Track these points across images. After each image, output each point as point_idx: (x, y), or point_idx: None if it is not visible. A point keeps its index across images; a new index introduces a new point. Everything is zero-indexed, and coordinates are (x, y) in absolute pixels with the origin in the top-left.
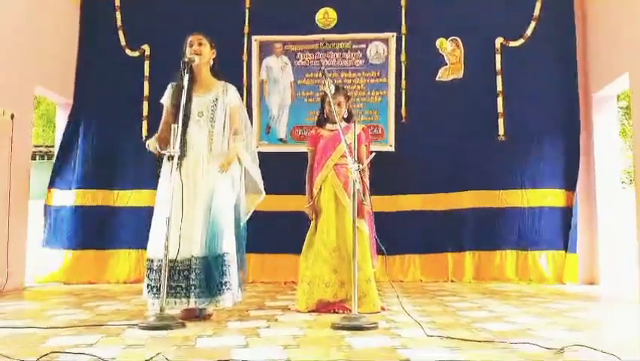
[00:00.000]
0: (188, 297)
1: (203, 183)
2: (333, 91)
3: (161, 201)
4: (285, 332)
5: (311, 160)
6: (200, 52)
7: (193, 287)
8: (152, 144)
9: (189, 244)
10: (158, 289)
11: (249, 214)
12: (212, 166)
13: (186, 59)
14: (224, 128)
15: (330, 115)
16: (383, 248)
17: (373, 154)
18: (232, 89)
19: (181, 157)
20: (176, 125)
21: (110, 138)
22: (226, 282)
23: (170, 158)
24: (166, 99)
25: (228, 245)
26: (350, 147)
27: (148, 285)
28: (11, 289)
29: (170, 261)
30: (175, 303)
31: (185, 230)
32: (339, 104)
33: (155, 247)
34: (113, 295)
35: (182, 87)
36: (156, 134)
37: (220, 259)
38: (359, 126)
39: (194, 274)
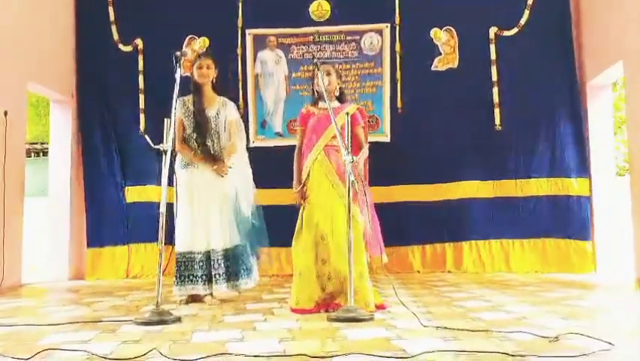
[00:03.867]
0: (209, 284)
1: (213, 187)
2: (326, 84)
3: (181, 200)
4: (281, 325)
5: (300, 141)
6: (207, 75)
7: (217, 275)
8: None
9: (207, 238)
10: (178, 278)
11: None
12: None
13: (178, 52)
14: (227, 139)
15: (319, 90)
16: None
17: (367, 146)
18: (231, 105)
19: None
20: (168, 120)
21: (132, 133)
22: (246, 268)
23: (164, 152)
24: (179, 113)
25: (233, 240)
26: (343, 134)
27: (175, 276)
28: (8, 287)
29: (189, 253)
30: (193, 289)
31: (201, 226)
32: (327, 73)
33: (179, 243)
34: (110, 292)
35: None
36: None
37: (239, 249)
38: (353, 106)
39: (217, 263)
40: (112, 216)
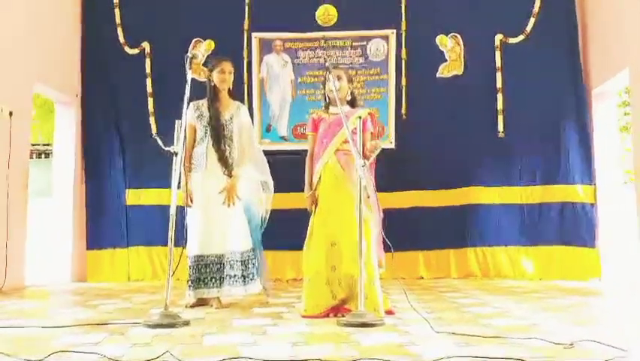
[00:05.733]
0: (221, 286)
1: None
2: (337, 87)
3: (194, 203)
4: (292, 329)
5: (311, 146)
6: (229, 80)
7: (228, 277)
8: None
9: (223, 240)
10: (193, 282)
11: (267, 213)
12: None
13: (189, 54)
14: (238, 143)
15: (330, 95)
16: (390, 244)
17: (379, 149)
18: (244, 109)
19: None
20: (179, 122)
21: (136, 136)
22: (252, 273)
23: (175, 154)
24: (190, 118)
25: (249, 242)
26: (354, 138)
27: (188, 280)
28: (11, 288)
29: (200, 256)
30: (205, 293)
31: (216, 229)
32: (338, 78)
33: (192, 246)
34: (115, 294)
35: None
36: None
37: (252, 252)
38: (364, 111)
39: (234, 266)
40: (112, 219)
